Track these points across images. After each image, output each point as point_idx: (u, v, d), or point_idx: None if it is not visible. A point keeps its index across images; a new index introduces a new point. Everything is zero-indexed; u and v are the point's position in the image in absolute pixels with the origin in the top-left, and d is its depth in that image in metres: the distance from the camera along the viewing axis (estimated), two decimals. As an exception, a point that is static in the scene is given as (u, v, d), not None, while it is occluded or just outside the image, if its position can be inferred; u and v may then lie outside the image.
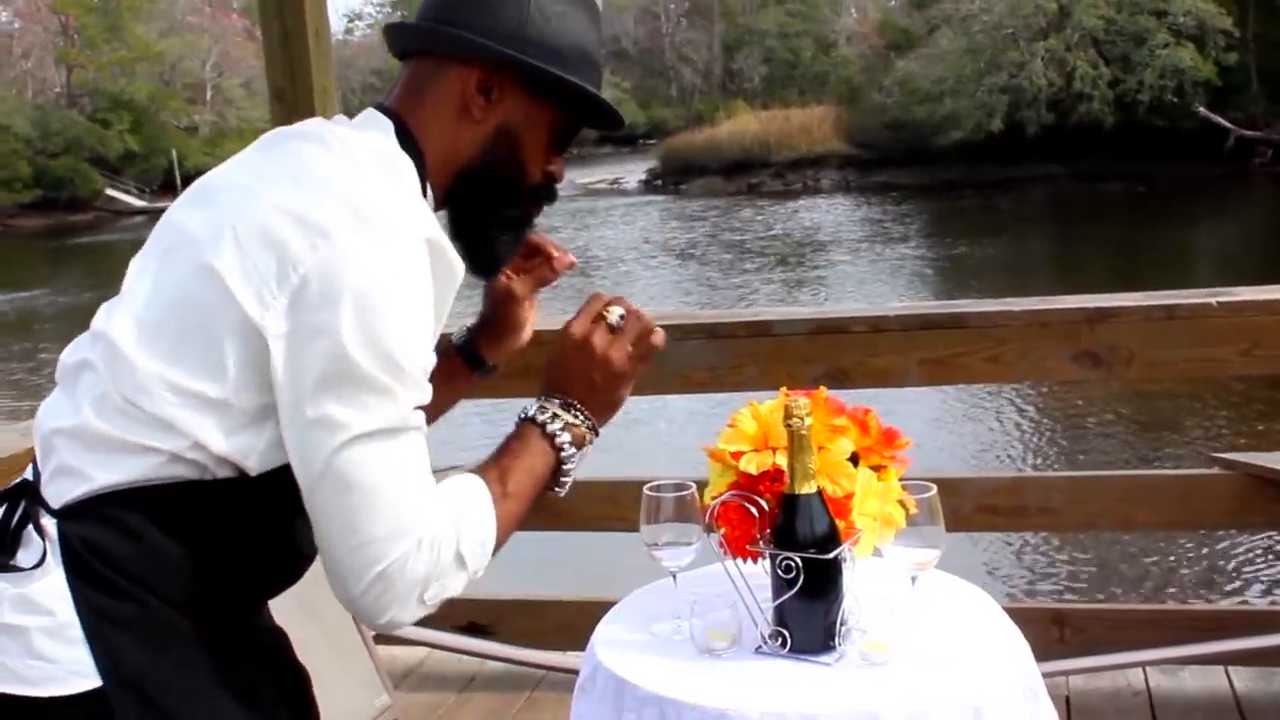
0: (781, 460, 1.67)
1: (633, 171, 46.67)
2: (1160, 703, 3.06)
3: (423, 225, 1.34)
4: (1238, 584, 6.62)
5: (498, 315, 1.77)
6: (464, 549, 1.36)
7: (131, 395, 1.32)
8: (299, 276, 1.27)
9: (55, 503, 1.35)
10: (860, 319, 3.14)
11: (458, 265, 1.40)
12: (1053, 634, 3.11)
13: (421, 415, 1.35)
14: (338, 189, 1.32)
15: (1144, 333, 2.94)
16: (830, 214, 31.07)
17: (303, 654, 1.55)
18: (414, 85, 1.49)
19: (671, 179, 41.84)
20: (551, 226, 29.16)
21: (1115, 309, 2.95)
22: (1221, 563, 6.85)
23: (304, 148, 1.39)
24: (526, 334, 1.78)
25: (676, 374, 3.20)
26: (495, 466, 1.45)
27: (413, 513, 1.32)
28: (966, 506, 3.04)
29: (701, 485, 1.80)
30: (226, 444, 1.33)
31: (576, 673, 1.83)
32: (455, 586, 1.37)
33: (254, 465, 1.35)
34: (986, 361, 3.02)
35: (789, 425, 1.60)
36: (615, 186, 45.50)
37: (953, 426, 10.05)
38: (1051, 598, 6.33)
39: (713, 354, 3.18)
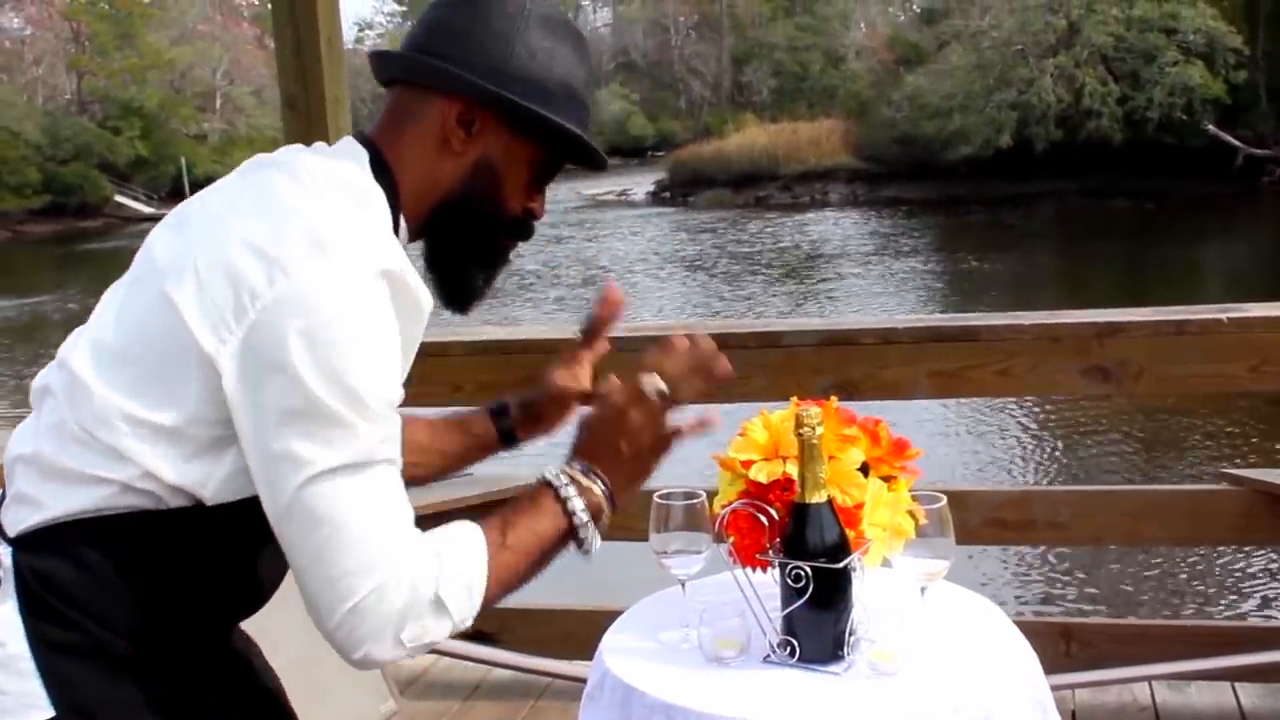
0: (792, 469, 1.67)
1: (641, 183, 46.74)
2: (1166, 718, 3.05)
3: (383, 258, 1.31)
4: (1245, 599, 6.60)
5: (543, 408, 1.78)
6: (445, 592, 1.33)
7: (88, 425, 1.31)
8: (256, 311, 1.26)
9: (11, 531, 1.34)
10: (870, 331, 3.15)
11: (423, 298, 1.38)
12: (1060, 648, 3.10)
13: (393, 448, 1.33)
14: (300, 221, 1.30)
15: (1154, 348, 2.94)
16: (838, 227, 31.08)
17: (310, 661, 1.56)
18: (395, 114, 1.47)
19: (679, 191, 41.91)
20: (560, 237, 29.21)
21: (1125, 324, 2.95)
22: (1229, 578, 6.83)
23: (274, 177, 1.37)
24: (564, 426, 1.77)
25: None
26: (499, 518, 1.43)
27: (383, 546, 1.30)
28: (974, 519, 3.03)
29: (711, 494, 1.81)
30: (179, 474, 1.31)
31: (583, 681, 1.83)
32: (437, 631, 1.34)
33: (210, 495, 1.33)
34: (996, 375, 3.02)
35: (800, 434, 1.60)
36: (623, 198, 45.57)
37: (960, 440, 10.04)
38: (1059, 612, 6.31)
39: (722, 364, 3.18)
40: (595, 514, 1.46)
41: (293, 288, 1.25)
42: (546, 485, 1.46)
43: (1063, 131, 33.28)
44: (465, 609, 1.36)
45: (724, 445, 1.81)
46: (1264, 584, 6.75)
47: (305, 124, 3.22)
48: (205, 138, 59.01)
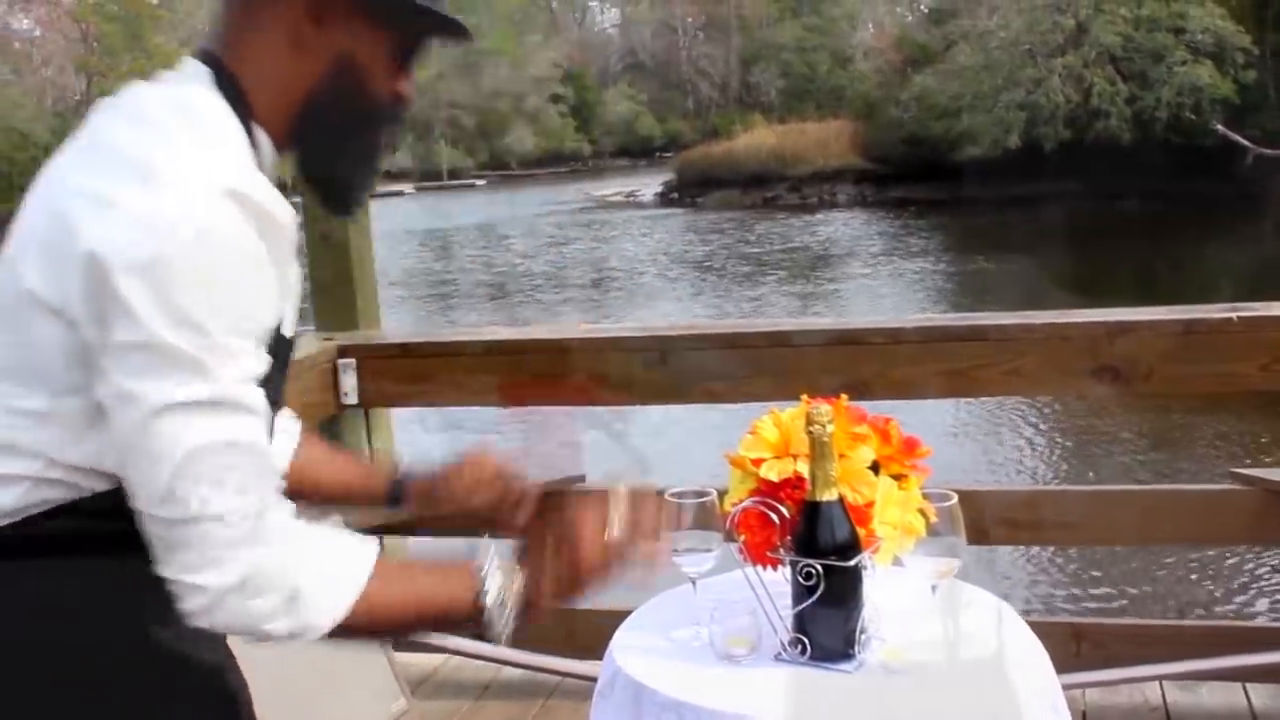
0: (803, 467, 1.68)
1: (649, 184, 46.73)
2: (1178, 718, 3.05)
3: (225, 177, 1.22)
4: (1256, 600, 6.58)
5: (447, 493, 1.73)
6: (303, 580, 1.26)
7: None
8: (85, 252, 1.18)
9: None
10: (879, 330, 3.14)
11: (280, 214, 1.27)
12: (1070, 649, 3.09)
13: (252, 394, 1.24)
14: (125, 154, 1.22)
15: (1164, 347, 2.93)
16: (846, 228, 31.06)
17: (320, 659, 1.55)
18: (236, 20, 1.37)
19: (688, 192, 41.89)
20: (568, 239, 29.22)
21: (1135, 323, 2.95)
22: (1241, 578, 6.81)
23: (101, 118, 1.31)
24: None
25: (695, 384, 3.21)
26: (408, 560, 1.37)
27: (229, 496, 1.22)
28: (985, 519, 3.03)
29: (721, 493, 1.81)
30: (77, 454, 1.25)
31: (593, 679, 1.84)
32: (274, 613, 1.25)
33: (116, 467, 1.26)
34: (1005, 374, 3.02)
35: (810, 432, 1.61)
36: (631, 199, 45.58)
37: (970, 440, 10.02)
38: (1070, 612, 6.30)
39: (731, 364, 3.18)
40: (502, 605, 1.37)
41: (120, 219, 1.17)
42: (467, 562, 1.39)
43: (1071, 131, 33.18)
44: (316, 612, 1.27)
45: (734, 444, 1.82)
46: (1275, 584, 6.73)
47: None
48: (213, 139, 59.08)
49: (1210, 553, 6.90)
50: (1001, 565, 6.78)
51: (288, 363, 1.41)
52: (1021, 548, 6.71)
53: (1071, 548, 6.61)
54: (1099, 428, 10.25)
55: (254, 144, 1.33)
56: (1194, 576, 6.88)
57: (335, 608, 1.29)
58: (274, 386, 1.32)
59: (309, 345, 3.29)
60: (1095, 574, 6.97)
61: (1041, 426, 10.54)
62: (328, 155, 1.43)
